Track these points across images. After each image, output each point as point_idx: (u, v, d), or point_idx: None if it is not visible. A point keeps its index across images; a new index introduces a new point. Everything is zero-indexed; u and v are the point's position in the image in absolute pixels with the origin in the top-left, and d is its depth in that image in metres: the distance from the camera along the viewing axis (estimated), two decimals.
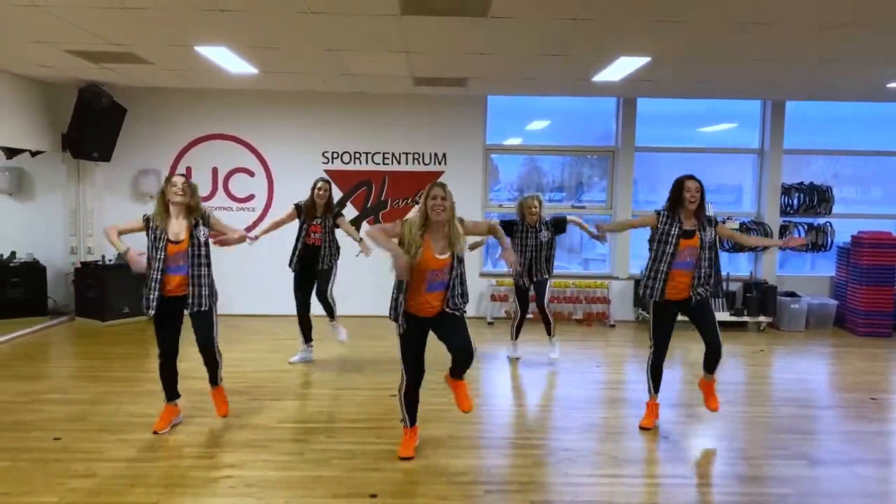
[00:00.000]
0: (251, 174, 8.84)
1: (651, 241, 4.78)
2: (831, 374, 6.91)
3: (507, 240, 4.61)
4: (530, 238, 6.42)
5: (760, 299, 8.55)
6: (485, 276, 9.01)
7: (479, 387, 5.97)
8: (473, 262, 8.86)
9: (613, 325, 8.74)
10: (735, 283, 8.92)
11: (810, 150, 9.23)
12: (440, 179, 8.81)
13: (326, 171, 8.62)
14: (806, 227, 8.99)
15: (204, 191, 8.75)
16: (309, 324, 6.58)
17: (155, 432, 4.63)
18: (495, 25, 5.04)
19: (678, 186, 4.65)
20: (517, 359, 6.83)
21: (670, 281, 4.66)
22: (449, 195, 3.97)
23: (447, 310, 4.04)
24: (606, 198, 9.20)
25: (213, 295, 4.68)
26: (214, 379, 4.92)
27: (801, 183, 9.03)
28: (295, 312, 6.49)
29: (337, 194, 8.66)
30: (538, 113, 9.39)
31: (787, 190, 9.00)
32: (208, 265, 4.65)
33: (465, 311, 4.12)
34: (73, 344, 7.42)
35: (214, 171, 8.81)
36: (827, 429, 5.15)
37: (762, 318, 8.58)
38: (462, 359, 4.11)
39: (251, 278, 8.67)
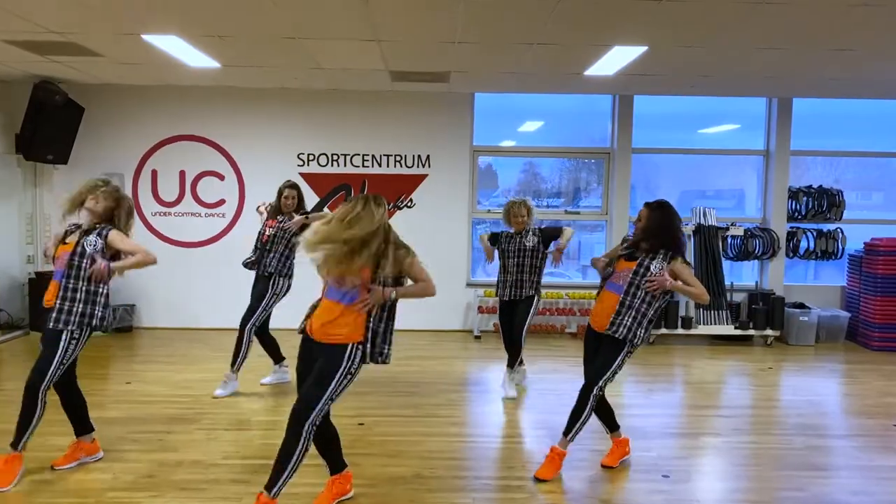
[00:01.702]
0: (221, 178, 8.26)
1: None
2: (847, 396, 6.30)
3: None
4: (513, 243, 5.73)
5: (767, 311, 7.95)
6: (472, 285, 8.42)
7: (458, 412, 5.38)
8: (459, 271, 8.29)
9: None
10: (739, 294, 8.33)
11: (819, 150, 8.65)
12: (425, 182, 8.27)
13: (302, 174, 8.05)
14: (815, 233, 8.41)
15: (170, 195, 8.21)
16: (270, 340, 5.90)
17: (52, 467, 4.04)
18: (470, 6, 4.47)
19: None
20: (512, 398, 5.79)
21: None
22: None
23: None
24: (602, 203, 8.62)
25: (75, 320, 3.80)
26: (19, 432, 3.84)
27: (810, 186, 8.45)
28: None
29: (313, 199, 8.09)
30: (531, 114, 8.82)
31: (794, 194, 8.41)
32: (87, 282, 3.86)
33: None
34: (25, 361, 6.82)
35: (182, 174, 8.23)
36: (846, 463, 4.55)
37: (769, 332, 7.98)
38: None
39: (221, 289, 8.09)
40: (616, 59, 5.95)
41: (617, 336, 4.02)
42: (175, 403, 5.33)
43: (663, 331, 7.91)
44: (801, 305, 8.16)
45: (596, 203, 8.73)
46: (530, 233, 5.73)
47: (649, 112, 8.34)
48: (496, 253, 5.87)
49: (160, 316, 8.27)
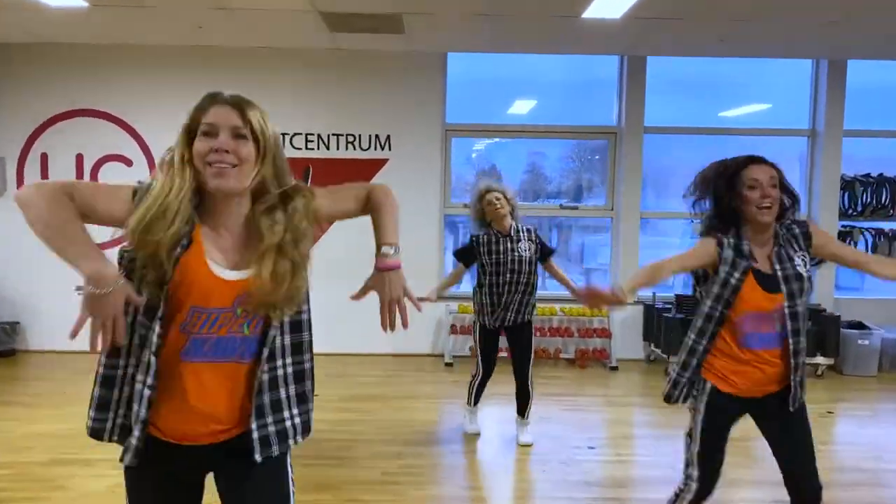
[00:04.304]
0: (128, 163, 6.57)
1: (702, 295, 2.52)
2: None
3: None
4: (503, 252, 4.11)
5: (818, 333, 6.20)
6: (443, 299, 6.70)
7: (421, 476, 3.68)
8: (428, 282, 6.58)
9: (616, 368, 6.43)
10: None
11: (880, 130, 6.91)
12: (384, 169, 6.61)
13: None
14: (874, 232, 6.71)
15: None
16: None
17: None
18: None
19: (731, 174, 2.43)
20: (476, 434, 4.48)
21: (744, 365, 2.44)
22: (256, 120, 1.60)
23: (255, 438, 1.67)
24: (606, 196, 6.92)
25: None
26: None
27: (868, 175, 6.74)
28: None
29: None
30: (523, 90, 7.15)
31: (848, 184, 6.70)
32: None
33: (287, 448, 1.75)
34: None
35: (79, 158, 6.55)
36: None
37: (820, 360, 6.23)
38: None
39: None
40: None
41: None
42: None
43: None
44: (860, 325, 6.44)
45: (597, 197, 7.06)
46: (523, 236, 4.15)
47: (658, 89, 6.67)
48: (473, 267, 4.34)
49: (52, 336, 6.56)
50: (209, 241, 1.63)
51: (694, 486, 2.48)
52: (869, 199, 6.71)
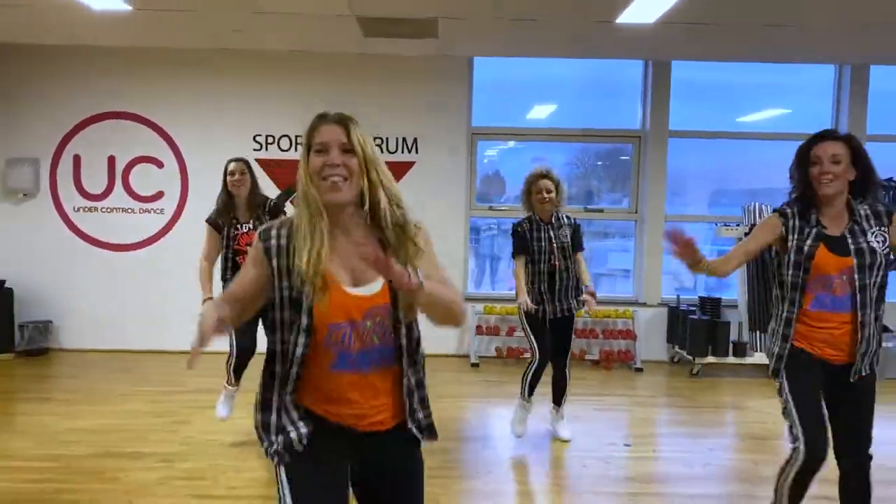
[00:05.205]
0: (159, 165, 6.67)
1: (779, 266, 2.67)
2: None
3: None
4: (543, 240, 4.15)
5: None
6: (468, 300, 6.79)
7: (464, 470, 3.74)
8: (454, 282, 6.64)
9: (640, 369, 6.49)
10: None
11: None
12: (411, 171, 6.68)
13: (259, 160, 6.41)
14: None
15: (97, 186, 6.71)
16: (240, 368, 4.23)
17: None
18: None
19: (802, 153, 2.56)
20: (520, 436, 4.32)
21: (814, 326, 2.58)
22: (365, 150, 1.75)
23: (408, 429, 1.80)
24: (630, 199, 6.99)
25: None
26: None
27: (891, 179, 6.78)
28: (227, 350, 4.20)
29: (273, 192, 6.49)
30: (541, 93, 7.22)
31: None
32: None
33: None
34: None
35: (111, 160, 6.65)
36: None
37: None
38: None
39: (157, 303, 6.53)
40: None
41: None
42: (28, 473, 3.69)
43: (710, 359, 6.25)
44: (885, 329, 6.48)
45: (612, 198, 7.13)
46: (564, 223, 4.21)
47: (677, 92, 6.75)
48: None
49: (83, 335, 6.67)
50: (333, 258, 1.73)
51: (802, 449, 2.50)
52: (891, 203, 6.76)
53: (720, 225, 6.50)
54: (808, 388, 2.56)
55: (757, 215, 6.48)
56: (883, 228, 2.52)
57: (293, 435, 1.72)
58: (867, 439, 2.58)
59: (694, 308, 6.50)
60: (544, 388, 4.37)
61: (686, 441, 4.63)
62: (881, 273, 2.51)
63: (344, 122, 1.75)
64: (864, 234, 2.50)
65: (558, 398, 4.39)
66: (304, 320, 1.69)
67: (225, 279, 4.16)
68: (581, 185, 7.44)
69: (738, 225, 6.39)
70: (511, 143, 7.46)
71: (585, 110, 7.16)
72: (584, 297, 4.18)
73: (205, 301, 3.97)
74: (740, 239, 6.34)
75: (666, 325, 6.74)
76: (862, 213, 2.54)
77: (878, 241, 2.50)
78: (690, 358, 6.24)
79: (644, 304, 6.82)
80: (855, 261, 2.48)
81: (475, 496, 3.65)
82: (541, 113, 7.41)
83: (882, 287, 2.54)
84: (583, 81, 7.21)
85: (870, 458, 2.58)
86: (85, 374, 5.91)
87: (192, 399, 4.91)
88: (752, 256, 2.75)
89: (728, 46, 5.81)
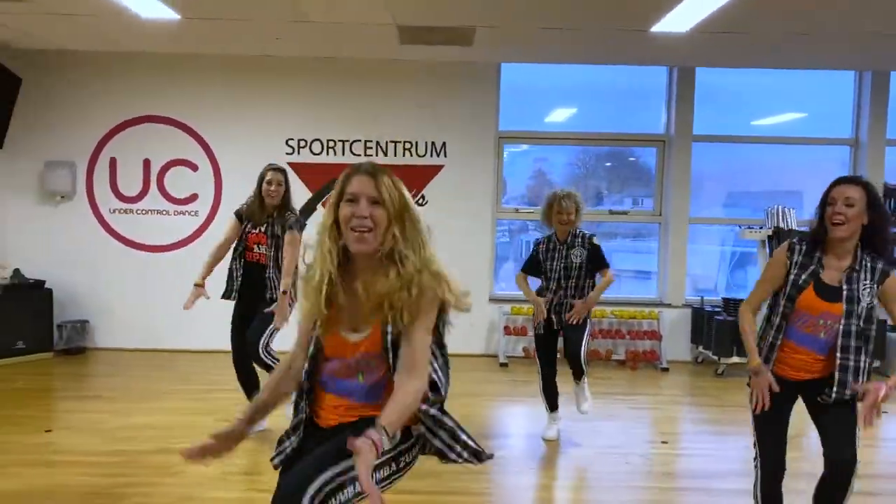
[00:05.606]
0: (194, 168, 6.81)
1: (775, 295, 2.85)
2: None
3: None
4: (556, 259, 4.33)
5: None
6: (495, 300, 6.94)
7: (512, 466, 3.87)
8: (481, 284, 6.78)
9: (666, 369, 6.63)
10: None
11: None
12: (440, 175, 6.81)
13: (291, 164, 6.53)
14: None
15: (133, 189, 6.83)
16: (251, 377, 4.52)
17: None
18: None
19: (824, 194, 2.70)
20: (552, 440, 4.43)
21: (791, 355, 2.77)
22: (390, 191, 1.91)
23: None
24: (654, 203, 7.13)
25: None
26: None
27: None
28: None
29: (304, 195, 6.64)
30: (559, 99, 7.36)
31: (891, 192, 6.90)
32: None
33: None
34: None
35: (146, 163, 6.79)
36: None
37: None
38: None
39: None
40: (700, 5, 4.48)
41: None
42: (98, 468, 3.84)
43: (734, 359, 6.38)
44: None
45: (624, 202, 7.27)
46: (577, 242, 4.31)
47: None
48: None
49: (118, 335, 6.81)
50: (342, 303, 1.93)
51: (759, 465, 2.79)
52: None
53: (744, 228, 6.64)
54: (772, 408, 2.69)
55: (779, 218, 6.62)
56: (874, 285, 2.61)
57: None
58: (851, 444, 2.61)
59: (718, 308, 6.63)
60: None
61: (720, 438, 4.76)
62: (865, 324, 2.61)
63: (375, 174, 1.87)
64: (859, 282, 2.61)
65: (577, 376, 4.35)
66: (310, 349, 2.00)
67: (231, 269, 4.46)
68: (590, 186, 7.58)
69: (760, 227, 6.53)
70: (524, 147, 7.62)
71: (608, 114, 7.28)
72: (575, 302, 4.27)
73: (195, 286, 4.36)
74: (763, 241, 6.52)
75: (690, 325, 6.87)
76: (865, 262, 2.63)
77: (864, 293, 2.60)
78: (715, 358, 6.37)
79: (669, 305, 6.95)
80: (844, 307, 2.59)
81: (523, 490, 3.79)
82: (561, 116, 7.54)
83: (867, 340, 2.62)
84: (606, 86, 7.33)
85: (855, 461, 2.60)
86: (123, 373, 6.04)
87: (237, 398, 5.03)
88: (768, 297, 2.82)
89: (755, 55, 5.94)
